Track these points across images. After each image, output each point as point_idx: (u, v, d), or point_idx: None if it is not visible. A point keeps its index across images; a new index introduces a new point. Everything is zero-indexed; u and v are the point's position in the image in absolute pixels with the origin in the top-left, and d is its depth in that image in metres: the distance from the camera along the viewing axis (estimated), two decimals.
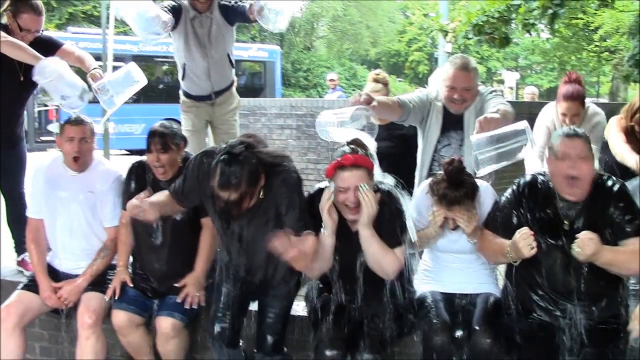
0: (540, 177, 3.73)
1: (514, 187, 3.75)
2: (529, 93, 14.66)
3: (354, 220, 3.71)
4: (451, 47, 12.16)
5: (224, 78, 5.75)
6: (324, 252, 3.72)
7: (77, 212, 4.51)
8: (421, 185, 4.18)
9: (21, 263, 5.31)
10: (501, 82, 40.24)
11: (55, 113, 19.78)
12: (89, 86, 4.71)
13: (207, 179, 3.63)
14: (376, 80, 5.78)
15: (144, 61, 19.20)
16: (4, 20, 4.95)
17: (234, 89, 5.93)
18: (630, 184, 3.85)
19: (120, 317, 4.26)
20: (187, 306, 4.22)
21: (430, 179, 3.97)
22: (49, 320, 4.84)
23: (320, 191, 3.81)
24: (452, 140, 4.69)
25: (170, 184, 4.11)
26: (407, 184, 3.95)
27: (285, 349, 4.02)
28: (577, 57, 27.68)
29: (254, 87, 24.31)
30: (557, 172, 3.53)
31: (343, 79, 34.86)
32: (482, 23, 8.87)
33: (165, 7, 5.21)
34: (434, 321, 3.68)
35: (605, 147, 4.97)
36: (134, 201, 3.93)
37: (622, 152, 4.79)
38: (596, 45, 26.15)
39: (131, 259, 4.54)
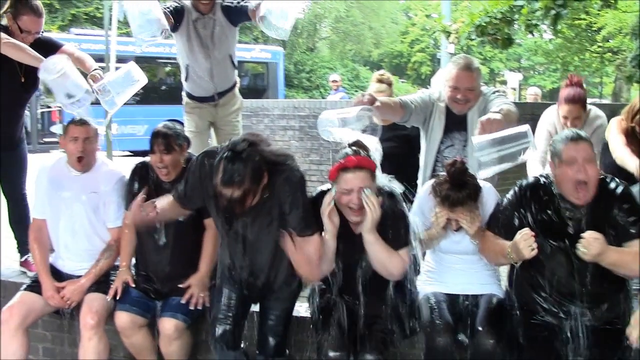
0: (543, 179, 3.72)
1: (516, 189, 3.74)
2: (531, 94, 14.65)
3: (357, 222, 3.71)
4: (454, 48, 12.18)
5: (226, 79, 5.75)
6: (326, 255, 3.73)
7: (80, 212, 4.51)
8: (424, 187, 4.18)
9: (24, 264, 5.32)
10: (504, 83, 40.19)
11: (58, 114, 19.79)
12: (90, 87, 4.72)
13: (209, 179, 3.61)
14: (380, 81, 5.79)
15: (147, 62, 19.20)
16: (4, 21, 4.96)
17: (236, 90, 5.93)
18: (634, 189, 3.84)
19: (123, 318, 4.26)
20: (192, 307, 4.22)
21: (432, 180, 3.97)
22: (52, 322, 4.85)
23: (323, 194, 3.81)
24: (455, 141, 4.69)
25: (174, 184, 4.11)
26: (411, 185, 3.95)
27: (287, 351, 4.01)
28: (580, 57, 27.63)
29: (256, 88, 24.32)
30: (564, 178, 3.51)
31: (346, 80, 34.87)
32: (484, 24, 8.87)
33: (168, 8, 5.21)
34: (437, 322, 3.67)
35: (606, 149, 4.96)
36: (137, 203, 3.94)
37: (622, 155, 4.78)
38: (599, 46, 26.09)
39: (134, 260, 4.54)
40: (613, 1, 9.84)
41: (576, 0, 8.99)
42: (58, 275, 4.57)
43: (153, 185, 4.38)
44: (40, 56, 4.70)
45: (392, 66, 47.30)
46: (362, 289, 3.84)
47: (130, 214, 4.42)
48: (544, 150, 5.13)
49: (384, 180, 3.78)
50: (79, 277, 4.51)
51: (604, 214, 3.53)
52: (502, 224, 3.73)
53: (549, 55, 30.75)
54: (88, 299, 4.39)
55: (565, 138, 3.55)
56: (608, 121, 5.19)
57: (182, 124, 5.13)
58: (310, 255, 3.67)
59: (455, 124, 4.67)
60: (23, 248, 5.32)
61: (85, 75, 4.81)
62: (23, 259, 5.33)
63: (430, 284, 4.06)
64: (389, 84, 5.82)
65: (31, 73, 5.02)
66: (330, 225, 3.70)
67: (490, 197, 3.93)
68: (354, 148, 3.68)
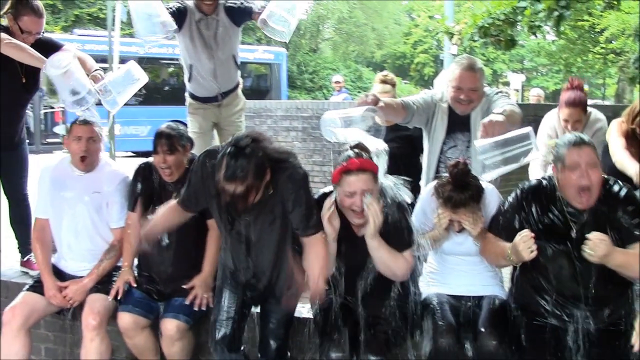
0: (545, 182, 3.71)
1: (518, 191, 3.73)
2: (534, 95, 14.64)
3: (359, 225, 3.71)
4: (457, 49, 12.19)
5: (230, 79, 5.75)
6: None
7: (83, 212, 4.52)
8: (427, 188, 4.18)
9: (25, 263, 5.33)
10: (507, 84, 40.17)
11: (61, 115, 19.81)
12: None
13: (211, 178, 3.59)
14: (384, 82, 5.79)
15: (150, 63, 19.22)
16: (5, 22, 4.97)
17: (239, 90, 5.93)
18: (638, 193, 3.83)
19: (125, 319, 4.26)
20: (196, 308, 4.22)
21: (435, 182, 3.97)
22: (54, 322, 4.86)
23: (324, 196, 3.82)
24: (458, 142, 4.68)
25: (177, 185, 4.12)
26: (414, 185, 3.95)
27: (289, 353, 4.01)
28: (583, 59, 27.60)
29: (259, 89, 24.36)
30: (567, 183, 3.49)
31: (348, 81, 34.86)
32: (487, 25, 8.87)
33: (171, 8, 5.21)
34: (440, 323, 3.67)
35: (606, 151, 4.96)
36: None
37: (622, 159, 4.77)
38: (602, 47, 26.10)
39: (136, 261, 4.55)
40: (616, 2, 9.83)
41: (579, 1, 8.98)
42: (61, 275, 4.57)
43: (156, 185, 4.39)
44: (42, 56, 4.71)
45: (395, 67, 47.29)
46: (365, 290, 3.84)
47: (132, 215, 4.45)
48: (544, 154, 5.15)
49: (388, 181, 3.77)
50: (81, 277, 4.52)
51: (607, 217, 3.51)
52: (502, 226, 3.72)
53: (552, 56, 30.76)
54: (90, 300, 4.40)
55: (569, 142, 3.52)
56: (608, 123, 5.19)
57: (185, 124, 5.13)
58: (317, 255, 3.66)
59: (458, 124, 4.67)
60: (24, 248, 5.33)
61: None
62: (25, 258, 5.33)
63: (433, 285, 4.06)
64: (393, 85, 5.83)
65: (32, 73, 5.03)
66: (330, 229, 3.70)
67: (492, 199, 3.93)
68: (356, 151, 3.67)
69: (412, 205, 3.92)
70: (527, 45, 42.61)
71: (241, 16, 5.47)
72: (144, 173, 4.47)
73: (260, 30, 5.27)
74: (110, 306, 4.38)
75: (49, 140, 20.44)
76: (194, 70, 5.60)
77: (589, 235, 3.35)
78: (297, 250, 3.78)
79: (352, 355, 3.68)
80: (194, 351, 4.36)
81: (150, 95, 20.50)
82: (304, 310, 4.19)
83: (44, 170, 4.66)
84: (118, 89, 4.71)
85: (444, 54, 17.46)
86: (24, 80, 5.03)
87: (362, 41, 44.23)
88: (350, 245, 3.78)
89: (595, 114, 5.44)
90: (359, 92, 33.43)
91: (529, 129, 3.75)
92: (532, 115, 6.28)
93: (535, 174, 5.49)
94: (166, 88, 22.24)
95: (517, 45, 9.54)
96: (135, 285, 4.39)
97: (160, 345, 4.26)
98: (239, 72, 5.89)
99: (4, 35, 4.76)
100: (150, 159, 4.42)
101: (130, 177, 4.55)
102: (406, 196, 3.78)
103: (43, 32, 5.11)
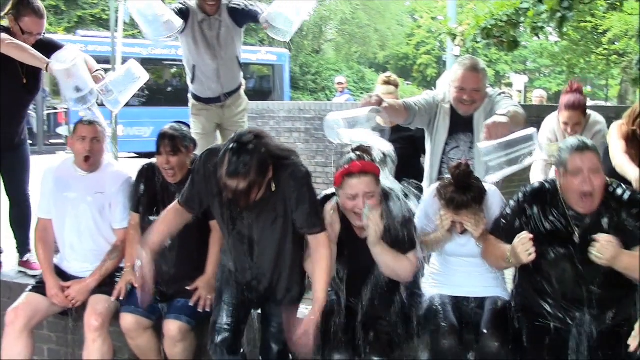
0: (547, 185, 3.69)
1: (520, 194, 3.71)
2: (537, 96, 14.63)
3: (362, 227, 3.70)
4: (459, 50, 12.16)
5: (233, 80, 5.75)
6: None
7: (86, 213, 4.53)
8: (429, 189, 4.17)
9: (24, 264, 5.34)
10: (509, 85, 40.17)
11: (64, 116, 19.86)
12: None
13: (213, 176, 3.57)
14: (387, 83, 5.80)
15: (153, 64, 19.28)
16: (6, 23, 4.98)
17: (242, 91, 5.94)
18: None
19: (128, 320, 4.27)
20: (200, 309, 4.22)
21: (438, 183, 3.96)
22: (57, 323, 4.87)
23: (326, 198, 3.83)
24: (461, 143, 4.68)
25: (180, 186, 4.11)
26: (416, 186, 3.95)
27: (290, 356, 4.00)
28: (586, 60, 27.59)
29: (262, 90, 24.36)
30: (570, 188, 3.48)
31: (351, 82, 34.85)
32: (490, 26, 8.85)
33: (173, 9, 5.21)
34: (442, 324, 3.67)
35: (607, 153, 4.96)
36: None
37: (622, 163, 4.77)
38: (605, 49, 26.08)
39: (138, 262, 4.54)
40: (619, 4, 9.81)
41: (582, 3, 8.96)
42: (63, 276, 4.58)
43: (159, 186, 4.39)
44: (43, 57, 4.72)
45: (397, 68, 47.32)
46: (367, 291, 3.84)
47: (135, 216, 4.45)
48: (545, 158, 5.17)
49: (389, 183, 3.77)
50: (84, 278, 4.52)
51: (611, 220, 3.50)
52: (504, 229, 3.71)
53: (555, 57, 30.72)
54: (92, 301, 4.40)
55: (571, 147, 3.50)
56: (608, 125, 5.20)
57: (188, 125, 5.13)
58: (321, 257, 3.65)
59: (460, 125, 4.66)
60: (23, 248, 5.36)
61: None
62: (24, 258, 5.35)
63: (436, 286, 4.06)
64: (396, 86, 5.85)
65: (33, 74, 5.05)
66: (330, 232, 3.70)
67: (495, 200, 3.92)
68: (357, 153, 3.67)
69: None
70: (529, 47, 42.57)
71: (244, 18, 5.47)
72: (147, 174, 4.47)
73: (262, 31, 5.27)
74: (112, 307, 4.38)
75: (51, 141, 20.50)
76: (197, 71, 5.60)
77: (596, 237, 3.33)
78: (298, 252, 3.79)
79: (354, 356, 3.68)
80: (197, 352, 4.36)
81: (152, 97, 20.53)
82: (307, 311, 4.17)
83: (47, 171, 4.66)
84: (119, 88, 4.71)
85: (447, 55, 17.45)
86: (24, 81, 5.05)
87: (364, 42, 44.22)
88: (352, 246, 3.78)
89: (594, 116, 5.48)
90: (362, 93, 33.43)
91: (533, 130, 3.75)
92: (534, 116, 6.26)
93: (536, 176, 5.52)
94: (169, 89, 22.27)
95: (520, 47, 9.51)
96: (137, 285, 4.39)
97: (163, 346, 4.26)
98: (241, 73, 5.89)
99: (5, 36, 4.77)
100: (154, 160, 4.42)
101: (134, 178, 4.55)
102: (412, 204, 3.80)
103: (44, 33, 5.12)
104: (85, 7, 31.52)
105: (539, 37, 9.41)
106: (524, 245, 3.39)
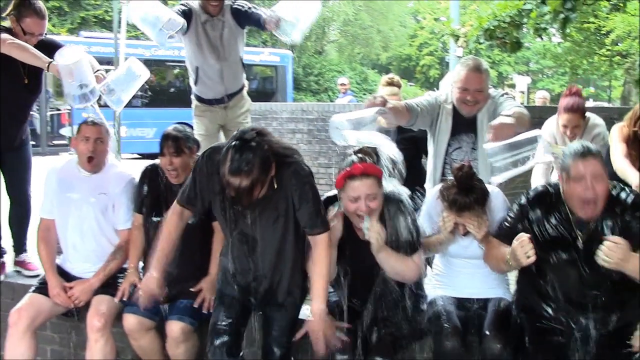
0: (550, 189, 3.65)
1: (523, 198, 3.68)
2: (540, 97, 14.65)
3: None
4: (462, 51, 12.17)
5: (236, 81, 5.76)
6: None
7: (89, 213, 4.53)
8: (432, 191, 4.17)
9: (19, 263, 5.36)
10: (512, 86, 40.14)
11: (67, 117, 19.88)
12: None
13: (216, 174, 3.53)
14: (391, 84, 5.81)
15: (156, 65, 19.30)
16: (8, 24, 4.99)
17: (244, 91, 5.94)
18: None
19: (131, 320, 4.26)
20: (204, 311, 4.21)
21: (440, 185, 3.96)
22: (59, 324, 4.87)
23: (329, 200, 3.84)
24: (463, 143, 4.67)
25: None
26: (418, 186, 3.95)
27: (292, 358, 3.98)
28: (589, 61, 27.60)
29: (265, 91, 24.38)
30: (572, 194, 3.44)
31: (354, 83, 34.89)
32: (493, 28, 8.85)
33: (177, 11, 5.22)
34: (445, 326, 3.67)
35: (608, 155, 4.95)
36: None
37: (623, 167, 4.76)
38: (608, 50, 26.08)
39: (141, 264, 4.55)
40: (622, 5, 9.84)
41: (585, 4, 8.97)
42: (66, 277, 4.58)
43: (162, 187, 4.39)
44: (45, 56, 4.72)
45: (400, 69, 47.33)
46: (370, 293, 3.84)
47: (138, 216, 4.45)
48: (545, 162, 5.18)
49: (392, 186, 3.77)
50: (87, 278, 4.53)
51: (615, 224, 3.47)
52: (506, 232, 3.65)
53: (558, 58, 30.73)
54: (95, 301, 4.40)
55: (574, 153, 3.45)
56: (610, 127, 5.20)
57: (191, 126, 5.14)
58: (320, 259, 3.64)
59: (463, 125, 4.65)
60: (19, 248, 5.38)
61: None
62: (19, 258, 5.37)
63: (439, 287, 4.06)
64: (399, 87, 5.85)
65: (35, 74, 5.06)
66: (331, 237, 3.70)
67: (498, 202, 3.92)
68: (359, 155, 3.67)
69: (417, 209, 3.92)
70: (532, 48, 42.62)
71: (247, 20, 5.48)
72: (151, 175, 4.48)
73: (265, 32, 5.27)
74: (115, 307, 4.39)
75: (55, 142, 20.53)
76: (200, 72, 5.61)
77: (608, 237, 3.29)
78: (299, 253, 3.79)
79: (357, 357, 3.68)
80: (199, 353, 4.35)
81: (155, 98, 20.57)
82: (309, 312, 4.17)
83: (50, 171, 4.67)
84: (121, 86, 4.72)
85: (450, 56, 17.46)
86: (26, 81, 5.06)
87: (367, 43, 44.22)
88: (354, 248, 3.78)
89: (593, 119, 5.50)
90: (365, 94, 33.43)
91: (538, 131, 3.75)
92: (537, 117, 6.24)
93: (537, 179, 5.56)
94: (172, 90, 22.31)
95: (523, 48, 9.53)
96: (140, 286, 4.39)
97: (165, 347, 4.26)
98: (244, 74, 5.89)
99: (6, 36, 4.78)
100: (157, 161, 4.43)
101: (137, 179, 4.56)
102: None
103: (46, 34, 5.12)
104: (88, 8, 31.53)
105: (541, 38, 9.43)
106: (522, 248, 3.36)
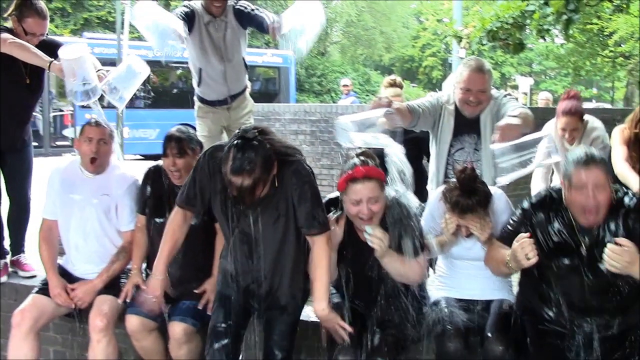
0: (554, 194, 3.62)
1: (526, 203, 3.66)
2: (543, 99, 14.62)
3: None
4: (465, 52, 12.18)
5: (239, 81, 5.76)
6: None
7: (92, 215, 4.53)
8: (435, 192, 4.17)
9: (14, 262, 5.37)
10: (515, 87, 40.11)
11: (70, 118, 19.92)
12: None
13: (218, 173, 3.53)
14: (394, 85, 5.81)
15: (159, 66, 19.29)
16: (9, 24, 4.99)
17: (247, 92, 5.94)
18: None
19: (133, 321, 4.27)
20: (209, 312, 4.21)
21: (443, 186, 3.96)
22: (62, 325, 4.88)
23: (330, 202, 3.84)
24: (466, 144, 4.67)
25: None
26: (420, 187, 3.95)
27: None
28: (592, 62, 27.62)
29: (268, 92, 24.40)
30: (574, 202, 3.41)
31: (357, 84, 34.86)
32: (496, 29, 8.87)
33: (179, 14, 5.22)
34: (448, 327, 3.67)
35: (609, 158, 4.94)
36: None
37: (623, 171, 4.75)
38: (611, 51, 26.10)
39: (144, 265, 4.55)
40: (625, 6, 9.82)
41: (588, 5, 8.97)
42: (69, 278, 4.58)
43: (165, 189, 4.39)
44: (47, 56, 4.73)
45: (403, 70, 47.33)
46: (372, 294, 3.84)
47: (142, 218, 4.46)
48: (546, 167, 5.19)
49: (393, 190, 3.77)
50: (90, 280, 4.53)
51: (617, 228, 3.43)
52: (509, 237, 3.59)
53: (561, 59, 30.76)
54: (98, 302, 4.40)
55: (577, 161, 3.39)
56: (611, 128, 5.20)
57: (194, 128, 5.14)
58: (319, 256, 3.63)
59: (465, 126, 4.65)
60: (17, 249, 5.39)
61: None
62: (15, 258, 5.38)
63: (442, 289, 4.06)
64: (401, 88, 5.85)
65: (37, 74, 5.07)
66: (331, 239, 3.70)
67: (501, 204, 3.91)
68: (362, 158, 3.67)
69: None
70: (535, 49, 42.59)
71: (250, 22, 5.46)
72: (154, 176, 4.47)
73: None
74: (117, 308, 4.39)
75: (57, 143, 20.57)
76: (203, 73, 5.60)
77: (617, 239, 3.26)
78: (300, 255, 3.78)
79: (360, 358, 3.68)
80: (202, 354, 4.35)
81: (158, 99, 20.58)
82: (312, 313, 4.18)
83: (54, 172, 4.67)
84: (123, 84, 4.72)
85: (453, 57, 17.48)
86: (28, 81, 5.06)
87: (370, 44, 44.25)
88: (355, 250, 3.79)
89: (592, 122, 5.53)
90: (367, 95, 33.44)
91: (546, 132, 3.75)
92: (540, 118, 6.24)
93: (537, 183, 5.58)
94: (174, 91, 22.32)
95: (526, 49, 9.54)
96: (144, 287, 4.39)
97: (168, 348, 4.26)
98: (247, 75, 5.89)
99: (7, 35, 4.79)
100: (160, 162, 4.43)
101: (140, 180, 4.56)
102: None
103: (48, 35, 5.13)
104: (91, 9, 31.58)
105: (544, 40, 9.43)
106: (523, 249, 3.33)
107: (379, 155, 3.84)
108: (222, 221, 3.82)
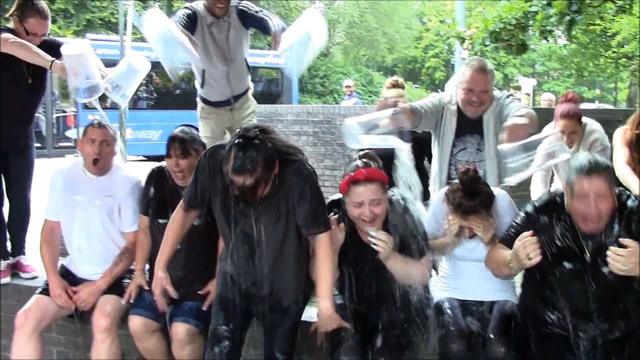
0: (558, 198, 3.60)
1: (530, 207, 3.65)
2: (545, 99, 14.61)
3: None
4: (468, 53, 12.16)
5: (242, 82, 5.76)
6: None
7: (94, 216, 4.54)
8: (438, 193, 4.17)
9: (16, 264, 5.38)
10: (518, 88, 40.13)
11: (73, 119, 19.94)
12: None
13: (219, 172, 3.52)
14: (396, 86, 5.81)
15: (161, 67, 19.30)
16: (11, 24, 5.00)
17: (249, 93, 5.94)
18: None
19: (136, 322, 4.27)
20: None
21: (446, 187, 3.96)
22: (65, 326, 4.88)
23: (332, 204, 3.85)
24: (468, 145, 4.67)
25: None
26: (422, 187, 3.95)
27: None
28: (595, 63, 27.56)
29: (271, 93, 24.40)
30: (574, 209, 3.39)
31: (359, 85, 34.81)
32: (499, 30, 8.85)
33: (182, 17, 5.19)
34: (451, 328, 3.67)
35: (610, 159, 4.94)
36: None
37: (624, 174, 4.75)
38: (614, 52, 26.05)
39: (147, 266, 4.55)
40: (628, 6, 9.80)
41: (591, 6, 8.96)
42: (72, 279, 4.59)
43: (169, 189, 4.40)
44: (49, 56, 4.73)
45: (405, 71, 47.29)
46: (375, 295, 3.84)
47: (145, 219, 4.46)
48: (546, 170, 5.20)
49: (396, 190, 3.78)
50: (93, 281, 4.53)
51: (620, 231, 3.42)
52: (511, 240, 3.55)
53: (564, 60, 30.71)
54: (101, 301, 4.42)
55: (580, 169, 3.35)
56: (614, 129, 5.20)
57: (197, 129, 5.14)
58: (320, 257, 3.63)
59: (468, 126, 4.65)
60: (17, 250, 5.39)
61: None
62: (14, 260, 5.37)
63: (445, 290, 4.06)
64: (403, 88, 5.86)
65: (39, 74, 5.07)
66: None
67: (504, 205, 3.91)
68: (364, 160, 3.67)
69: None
70: (538, 50, 42.57)
71: (252, 23, 5.45)
72: (157, 177, 4.48)
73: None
74: (121, 308, 4.40)
75: (60, 144, 20.60)
76: (206, 75, 5.59)
77: (621, 241, 3.25)
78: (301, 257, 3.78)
79: (363, 359, 3.67)
80: (204, 355, 4.36)
81: (161, 100, 20.60)
82: (314, 314, 4.17)
83: (57, 173, 4.67)
84: (124, 82, 4.73)
85: (455, 58, 17.47)
86: (30, 81, 5.07)
87: (373, 45, 44.21)
88: (357, 251, 3.79)
89: (590, 124, 5.54)
90: (370, 96, 33.44)
91: (555, 131, 3.75)
92: (543, 119, 6.24)
93: (536, 187, 5.59)
94: (177, 92, 22.32)
95: (529, 50, 9.52)
96: (147, 288, 4.39)
97: (171, 348, 4.27)
98: (249, 76, 5.89)
99: (9, 35, 4.79)
100: (163, 163, 4.44)
101: (143, 181, 4.56)
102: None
103: (50, 35, 5.13)
104: (94, 10, 31.60)
105: (547, 40, 9.41)
106: (525, 249, 3.30)
107: (388, 156, 3.85)
108: (222, 221, 3.79)
